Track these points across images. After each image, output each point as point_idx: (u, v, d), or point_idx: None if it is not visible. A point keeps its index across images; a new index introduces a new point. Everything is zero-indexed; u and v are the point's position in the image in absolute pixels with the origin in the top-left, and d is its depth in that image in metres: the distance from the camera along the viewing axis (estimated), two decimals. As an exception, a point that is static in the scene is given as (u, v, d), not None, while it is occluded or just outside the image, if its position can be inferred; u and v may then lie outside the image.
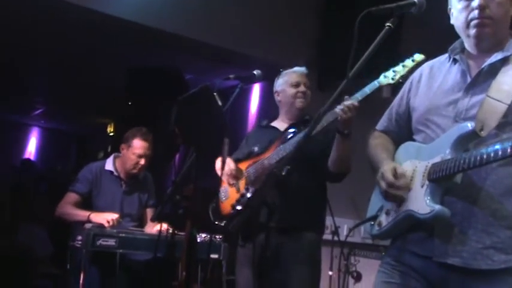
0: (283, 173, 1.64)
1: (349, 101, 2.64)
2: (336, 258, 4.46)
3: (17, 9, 5.10)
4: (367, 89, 2.70)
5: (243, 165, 3.24)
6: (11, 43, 6.43)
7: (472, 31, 1.89)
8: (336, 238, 4.34)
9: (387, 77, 2.66)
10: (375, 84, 2.69)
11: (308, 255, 3.05)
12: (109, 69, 7.07)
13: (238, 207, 3.11)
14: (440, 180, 1.80)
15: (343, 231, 4.71)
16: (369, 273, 4.35)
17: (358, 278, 4.53)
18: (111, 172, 4.15)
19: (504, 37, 1.91)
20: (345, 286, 4.47)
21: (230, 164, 3.18)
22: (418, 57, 2.54)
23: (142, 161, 4.10)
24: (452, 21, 1.99)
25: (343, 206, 4.67)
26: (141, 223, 4.19)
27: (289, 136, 3.07)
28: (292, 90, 3.24)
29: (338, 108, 2.66)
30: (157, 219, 3.19)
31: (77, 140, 12.19)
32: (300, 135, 2.94)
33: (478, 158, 1.66)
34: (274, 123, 3.34)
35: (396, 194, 1.90)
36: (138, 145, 4.10)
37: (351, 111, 2.62)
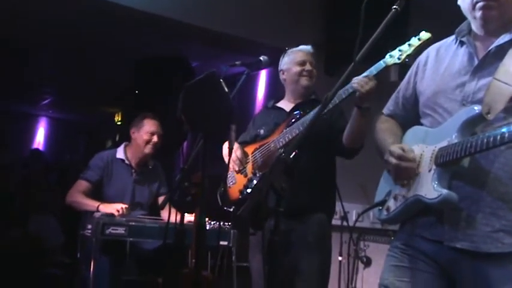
0: (291, 159, 1.64)
1: (363, 75, 2.62)
2: (345, 244, 4.46)
3: (25, 1, 5.10)
4: (374, 69, 2.66)
5: (249, 149, 3.25)
6: (19, 33, 6.44)
7: (478, 13, 1.87)
8: (345, 223, 4.33)
9: (393, 57, 2.62)
10: (380, 64, 2.65)
11: (318, 239, 3.05)
12: (116, 58, 7.07)
13: (246, 193, 3.11)
14: (447, 164, 1.79)
15: (352, 217, 4.70)
16: (379, 258, 4.35)
17: (368, 263, 4.53)
18: (122, 160, 4.18)
19: (511, 18, 1.89)
20: (354, 271, 4.48)
21: (237, 151, 3.18)
22: (425, 35, 2.49)
23: (155, 138, 4.17)
24: (459, 2, 1.97)
25: (351, 191, 4.67)
26: (151, 212, 4.20)
27: (294, 119, 3.06)
28: (297, 68, 3.23)
29: (353, 83, 2.64)
30: (165, 206, 3.20)
31: (85, 130, 12.23)
32: (307, 117, 2.93)
33: (485, 141, 1.65)
34: (280, 104, 3.34)
35: (407, 165, 1.89)
36: (149, 123, 4.19)
37: (367, 84, 2.59)
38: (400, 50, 2.59)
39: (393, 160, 1.92)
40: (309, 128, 1.85)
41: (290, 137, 2.96)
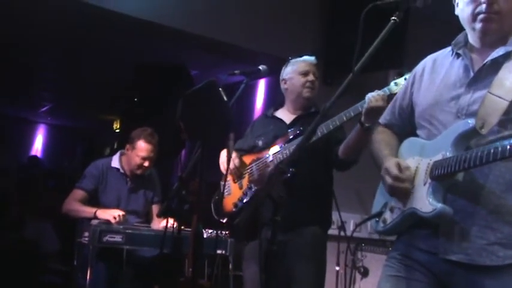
0: (289, 174, 1.64)
1: (378, 92, 2.63)
2: (343, 254, 4.45)
3: (24, 7, 5.11)
4: (387, 90, 2.68)
5: (246, 159, 3.23)
6: (18, 40, 6.45)
7: (478, 25, 1.86)
8: (342, 233, 4.33)
9: (398, 85, 2.63)
10: (385, 91, 2.67)
11: (313, 251, 3.04)
12: (115, 65, 7.08)
13: (240, 206, 3.10)
14: (442, 178, 1.79)
15: (350, 227, 4.69)
16: (376, 268, 4.34)
17: (365, 273, 4.52)
18: (117, 169, 4.17)
19: (509, 31, 1.88)
20: (352, 281, 4.46)
21: (234, 160, 3.17)
22: None
23: (146, 163, 4.12)
24: (457, 12, 1.97)
25: (349, 201, 4.67)
26: (147, 220, 4.20)
27: (293, 134, 3.05)
28: (300, 79, 3.19)
29: (367, 96, 2.64)
30: (163, 214, 3.20)
31: (83, 137, 12.23)
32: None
33: (479, 156, 1.65)
34: (280, 114, 3.30)
35: (402, 186, 1.89)
36: (142, 147, 4.10)
37: (377, 101, 2.59)
38: (406, 79, 2.58)
39: (389, 180, 1.92)
40: (305, 141, 1.84)
41: (288, 153, 2.96)
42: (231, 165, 3.14)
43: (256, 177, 3.11)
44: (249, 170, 3.18)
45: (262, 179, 3.04)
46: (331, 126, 2.83)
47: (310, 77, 3.19)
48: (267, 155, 3.10)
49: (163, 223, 3.87)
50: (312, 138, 2.05)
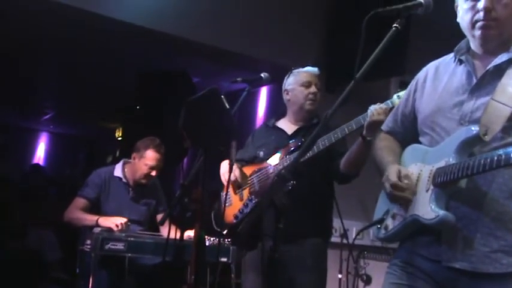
0: (290, 183, 1.64)
1: (380, 105, 2.63)
2: (345, 261, 4.44)
3: (26, 15, 5.13)
4: (390, 103, 2.68)
5: (247, 170, 3.21)
6: (20, 49, 6.47)
7: (477, 32, 1.87)
8: (344, 241, 4.32)
9: (401, 98, 2.61)
10: (387, 104, 2.67)
11: (314, 262, 3.03)
12: (117, 73, 7.10)
13: (241, 218, 3.09)
14: (444, 185, 1.78)
15: (352, 234, 4.68)
16: (379, 275, 4.32)
17: (368, 280, 4.51)
18: (120, 178, 4.16)
19: (510, 37, 1.88)
20: (354, 289, 4.45)
21: (235, 170, 3.13)
22: None
23: (153, 173, 4.13)
24: (458, 19, 1.97)
25: (351, 209, 4.65)
26: (151, 228, 4.18)
27: (294, 146, 3.04)
28: (303, 91, 3.16)
29: (369, 109, 2.64)
30: (165, 222, 3.19)
31: (85, 145, 12.25)
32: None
33: (482, 163, 1.64)
34: (281, 124, 3.27)
35: (400, 195, 1.89)
36: (151, 157, 4.10)
37: (380, 115, 2.59)
38: None
39: (388, 187, 1.92)
40: (308, 149, 1.83)
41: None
42: (232, 177, 3.08)
43: (257, 188, 3.10)
44: (250, 181, 3.16)
45: (263, 190, 3.03)
46: (333, 139, 2.82)
47: (313, 89, 3.16)
48: (268, 166, 3.09)
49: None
50: (314, 147, 2.05)
